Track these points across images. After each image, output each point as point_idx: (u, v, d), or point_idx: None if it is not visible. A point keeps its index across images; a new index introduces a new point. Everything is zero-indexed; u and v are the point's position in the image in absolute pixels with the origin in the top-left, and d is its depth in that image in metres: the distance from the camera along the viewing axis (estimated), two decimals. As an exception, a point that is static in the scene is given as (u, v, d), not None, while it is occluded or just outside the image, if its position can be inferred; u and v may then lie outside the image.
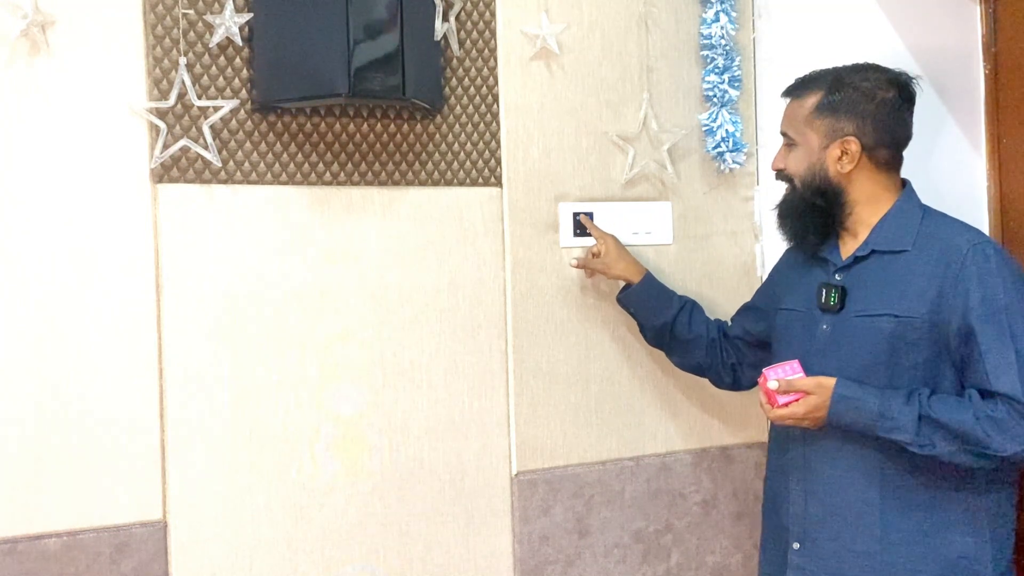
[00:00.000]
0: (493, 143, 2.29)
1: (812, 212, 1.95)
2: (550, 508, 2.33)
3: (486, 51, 2.29)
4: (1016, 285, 1.79)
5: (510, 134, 2.31)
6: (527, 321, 2.32)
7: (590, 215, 2.35)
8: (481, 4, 2.28)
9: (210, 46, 2.03)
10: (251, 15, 2.03)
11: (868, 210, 1.93)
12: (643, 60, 2.44)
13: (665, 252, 2.46)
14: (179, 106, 2.00)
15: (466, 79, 2.27)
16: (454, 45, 2.24)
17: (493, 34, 2.29)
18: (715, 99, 2.48)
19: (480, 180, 2.28)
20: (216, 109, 2.00)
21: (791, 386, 1.83)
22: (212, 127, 2.01)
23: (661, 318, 2.25)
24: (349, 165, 2.16)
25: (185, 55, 2.00)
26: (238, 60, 2.06)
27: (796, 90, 2.00)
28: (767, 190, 2.56)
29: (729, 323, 2.31)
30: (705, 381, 2.38)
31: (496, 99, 2.30)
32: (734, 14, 2.47)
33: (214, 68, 2.04)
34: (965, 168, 2.48)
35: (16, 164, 1.90)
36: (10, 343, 1.88)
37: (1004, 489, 1.86)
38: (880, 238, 1.90)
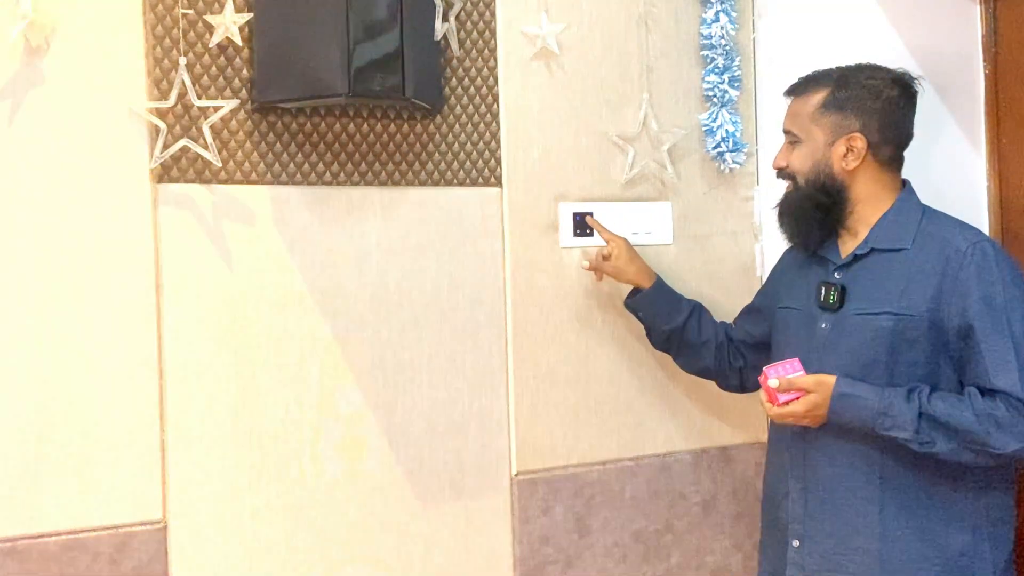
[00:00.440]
0: (493, 143, 2.29)
1: (815, 210, 1.94)
2: (550, 508, 2.33)
3: (486, 51, 2.29)
4: (1015, 283, 1.80)
5: (510, 134, 2.31)
6: (527, 321, 2.32)
7: (591, 214, 2.34)
8: (481, 4, 2.28)
9: (210, 46, 2.03)
10: (251, 15, 2.02)
11: (869, 208, 1.93)
12: (643, 60, 2.44)
13: (665, 252, 2.46)
14: (179, 106, 2.00)
15: (466, 79, 2.27)
16: (454, 45, 2.24)
17: (493, 34, 2.29)
18: (715, 99, 2.48)
19: (480, 180, 2.28)
20: (216, 109, 2.00)
21: (791, 384, 1.83)
22: (212, 127, 2.01)
23: (671, 323, 2.24)
24: (349, 165, 2.16)
25: (185, 55, 2.00)
26: (238, 60, 2.06)
27: (801, 87, 2.01)
28: (767, 190, 2.56)
29: (732, 326, 2.30)
30: (705, 381, 2.38)
31: (496, 99, 2.30)
32: (734, 14, 2.47)
33: (214, 68, 2.04)
34: (965, 168, 2.48)
35: (16, 164, 1.89)
36: (10, 343, 1.88)
37: (1003, 486, 1.86)
38: (880, 236, 1.91)
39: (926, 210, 1.93)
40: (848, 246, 1.96)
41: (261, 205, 2.08)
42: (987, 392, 1.76)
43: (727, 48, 2.47)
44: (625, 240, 2.27)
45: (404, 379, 2.20)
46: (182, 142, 1.99)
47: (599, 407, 2.39)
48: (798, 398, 1.83)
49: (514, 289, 2.31)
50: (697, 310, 2.27)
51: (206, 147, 2.00)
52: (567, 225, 2.35)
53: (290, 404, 2.09)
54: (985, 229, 2.46)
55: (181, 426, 2.00)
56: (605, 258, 2.25)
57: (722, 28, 2.45)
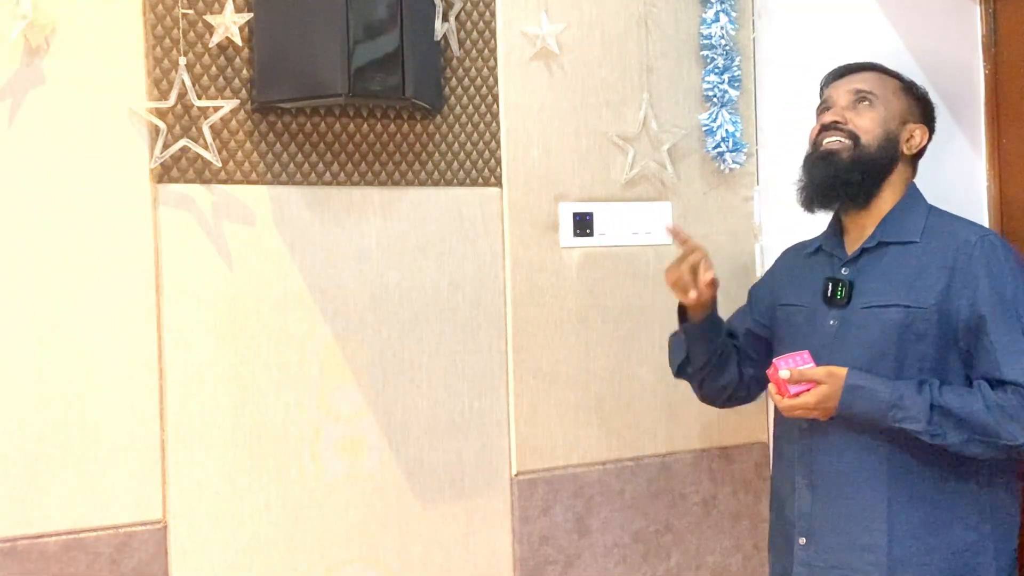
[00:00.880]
0: (493, 143, 2.30)
1: (869, 177, 1.90)
2: (550, 508, 2.33)
3: (486, 51, 2.29)
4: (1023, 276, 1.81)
5: (510, 134, 2.31)
6: (527, 321, 2.32)
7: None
8: (481, 4, 2.28)
9: (210, 46, 2.03)
10: (251, 15, 2.02)
11: (887, 199, 1.93)
12: (643, 60, 2.44)
13: (665, 252, 2.46)
14: (179, 106, 2.00)
15: (466, 79, 2.27)
16: (454, 45, 2.24)
17: (493, 34, 2.29)
18: (715, 99, 2.48)
19: (480, 180, 2.28)
20: (216, 109, 2.00)
21: (803, 375, 1.81)
22: (212, 127, 2.01)
23: (711, 354, 2.11)
24: (349, 165, 2.16)
25: (185, 55, 2.00)
26: (238, 60, 2.06)
27: (878, 66, 2.00)
28: (767, 190, 2.56)
29: (735, 336, 2.19)
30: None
31: (496, 99, 2.30)
32: (734, 14, 2.47)
33: (214, 68, 2.04)
34: (965, 168, 2.48)
35: (16, 164, 1.89)
36: (10, 343, 1.88)
37: (1005, 481, 1.86)
38: (888, 230, 1.91)
39: (931, 208, 1.94)
40: (854, 240, 1.96)
41: (261, 205, 2.08)
42: (997, 384, 1.76)
43: (727, 48, 2.47)
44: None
45: (404, 379, 2.20)
46: (182, 142, 1.99)
47: (599, 407, 2.39)
48: (809, 389, 1.81)
49: (514, 289, 2.31)
50: (729, 340, 2.16)
51: (206, 147, 2.00)
52: (567, 225, 2.36)
53: (290, 404, 2.09)
54: (985, 229, 2.46)
55: (181, 426, 2.00)
56: (710, 285, 2.02)
57: (722, 28, 2.45)
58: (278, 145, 2.09)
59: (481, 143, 2.28)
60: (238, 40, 2.02)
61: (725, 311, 2.42)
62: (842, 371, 1.81)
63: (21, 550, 1.87)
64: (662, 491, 2.45)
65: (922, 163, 2.05)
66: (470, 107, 2.27)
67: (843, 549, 1.86)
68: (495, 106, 2.30)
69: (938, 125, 2.05)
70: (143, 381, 1.97)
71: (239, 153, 2.06)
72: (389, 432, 2.18)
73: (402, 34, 1.99)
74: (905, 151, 1.94)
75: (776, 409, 1.98)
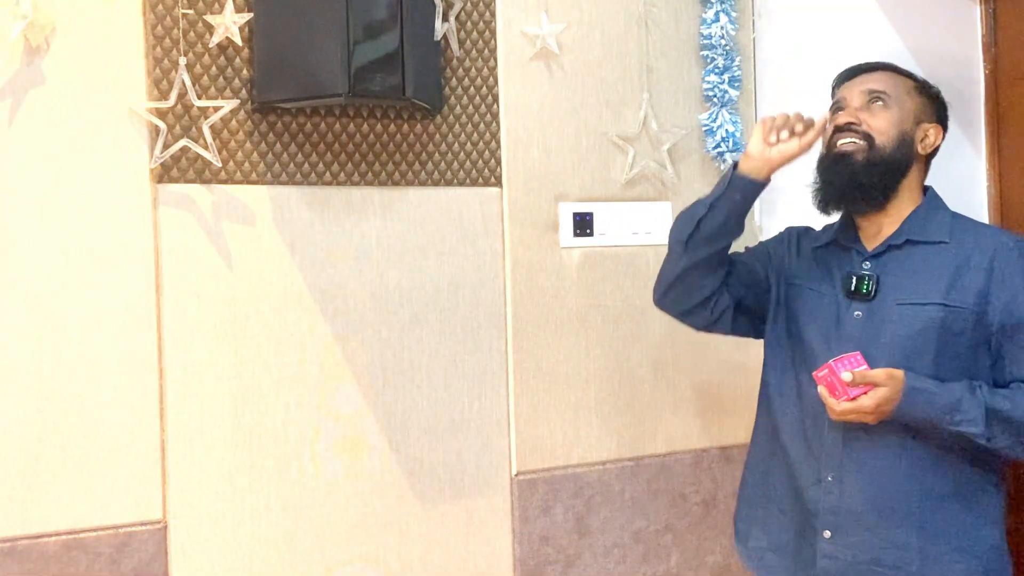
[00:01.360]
0: (493, 143, 2.30)
1: (884, 178, 1.88)
2: (550, 508, 2.33)
3: (486, 51, 2.29)
4: None
5: (510, 134, 2.31)
6: (527, 321, 2.32)
7: (591, 214, 2.32)
8: (481, 4, 2.28)
9: (210, 46, 2.03)
10: (251, 15, 2.03)
11: (905, 200, 1.92)
12: (643, 60, 2.44)
13: (665, 252, 2.45)
14: (179, 106, 2.00)
15: (466, 79, 2.27)
16: (454, 45, 2.24)
17: (493, 34, 2.29)
18: (715, 99, 2.48)
19: (480, 180, 2.28)
20: (216, 109, 2.00)
21: (864, 378, 1.76)
22: (212, 127, 2.01)
23: (728, 234, 1.99)
24: (349, 165, 2.16)
25: (185, 55, 2.00)
26: (238, 60, 2.06)
27: (891, 66, 1.98)
28: (767, 190, 2.55)
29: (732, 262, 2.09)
30: (705, 382, 2.38)
31: (496, 99, 2.30)
32: (734, 14, 2.47)
33: (214, 68, 2.04)
34: (965, 168, 2.48)
35: (16, 164, 1.89)
36: (10, 343, 1.88)
37: (1006, 483, 1.89)
38: (915, 228, 1.90)
39: (955, 212, 1.94)
40: (873, 237, 1.94)
41: (261, 205, 2.08)
42: None
43: (727, 48, 2.47)
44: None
45: (404, 379, 2.20)
46: (182, 142, 1.99)
47: (599, 407, 2.39)
48: (866, 392, 1.77)
49: (514, 289, 2.31)
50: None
51: (206, 147, 2.00)
52: (567, 225, 2.36)
53: (290, 404, 2.09)
54: (985, 229, 2.46)
55: (181, 426, 2.00)
56: (798, 133, 1.91)
57: (722, 28, 2.45)
58: (278, 145, 2.09)
59: (481, 143, 2.28)
60: (238, 40, 2.02)
61: (725, 311, 2.42)
62: (900, 373, 1.77)
63: (21, 550, 1.87)
64: (662, 491, 2.45)
65: (922, 163, 2.05)
66: (470, 107, 2.27)
67: (873, 545, 1.84)
68: (495, 106, 2.30)
69: (939, 125, 2.05)
70: (143, 381, 1.98)
71: (239, 153, 2.06)
72: (389, 432, 2.18)
73: (402, 34, 1.99)
74: (920, 151, 1.92)
75: (772, 399, 1.98)
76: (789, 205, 2.52)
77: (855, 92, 1.94)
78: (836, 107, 1.97)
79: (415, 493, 2.21)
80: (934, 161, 2.00)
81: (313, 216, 2.12)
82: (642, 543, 2.43)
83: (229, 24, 2.00)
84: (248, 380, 2.06)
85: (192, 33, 2.02)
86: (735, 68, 2.48)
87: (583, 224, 2.36)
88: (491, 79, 2.29)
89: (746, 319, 2.08)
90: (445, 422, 2.24)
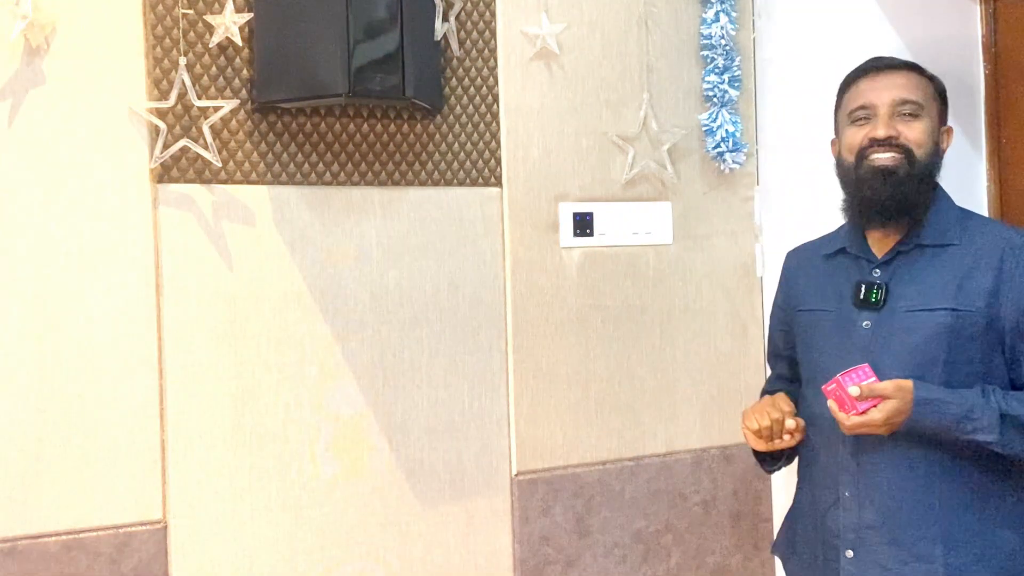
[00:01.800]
0: (493, 143, 2.30)
1: (924, 189, 1.85)
2: (550, 508, 2.33)
3: (486, 51, 2.29)
4: None
5: (510, 134, 2.31)
6: (527, 321, 2.32)
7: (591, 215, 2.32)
8: (481, 4, 2.28)
9: (210, 46, 2.03)
10: (251, 15, 2.03)
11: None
12: (643, 60, 2.44)
13: (665, 252, 2.46)
14: (179, 106, 2.00)
15: (466, 79, 2.27)
16: (454, 45, 2.24)
17: (493, 34, 2.29)
18: (715, 99, 2.48)
19: (480, 180, 2.28)
20: (216, 109, 2.00)
21: (872, 391, 1.73)
22: (212, 127, 2.01)
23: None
24: (349, 165, 2.16)
25: (185, 55, 2.00)
26: (238, 60, 2.06)
27: (915, 67, 1.91)
28: (767, 190, 2.56)
29: (781, 375, 2.12)
30: (705, 382, 2.37)
31: (496, 99, 2.30)
32: (734, 14, 2.47)
33: (214, 68, 2.04)
34: (965, 168, 2.48)
35: (16, 164, 1.89)
36: (10, 343, 1.88)
37: None
38: (924, 232, 1.85)
39: (963, 209, 1.90)
40: (882, 242, 1.89)
41: (261, 205, 2.08)
42: None
43: (727, 48, 2.47)
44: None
45: (404, 379, 2.20)
46: (182, 142, 1.99)
47: (599, 407, 2.39)
48: (875, 405, 1.73)
49: (514, 289, 2.31)
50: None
51: (206, 147, 2.00)
52: (567, 225, 2.36)
53: (290, 404, 2.09)
54: (985, 229, 2.46)
55: (181, 426, 2.00)
56: (792, 433, 1.92)
57: (722, 28, 2.45)
58: (278, 145, 2.09)
59: (481, 143, 2.28)
60: (238, 40, 2.02)
61: (725, 311, 2.43)
62: (909, 384, 1.74)
63: (21, 550, 1.87)
64: (662, 491, 2.45)
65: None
66: (470, 107, 2.27)
67: (897, 561, 1.80)
68: (495, 106, 2.30)
69: (938, 125, 2.04)
70: (143, 381, 1.98)
71: (239, 153, 2.06)
72: (389, 432, 2.18)
73: (402, 34, 1.99)
74: (942, 156, 1.90)
75: (801, 416, 1.91)
76: (789, 205, 2.52)
77: (883, 98, 1.86)
78: (862, 110, 1.88)
79: (415, 493, 2.21)
80: (934, 160, 1.99)
81: (313, 216, 2.12)
82: (642, 543, 2.43)
83: (229, 24, 2.00)
84: (248, 380, 2.06)
85: (192, 33, 2.02)
86: (735, 68, 2.48)
87: (583, 224, 2.36)
88: (491, 79, 2.29)
89: None
90: (445, 422, 2.24)
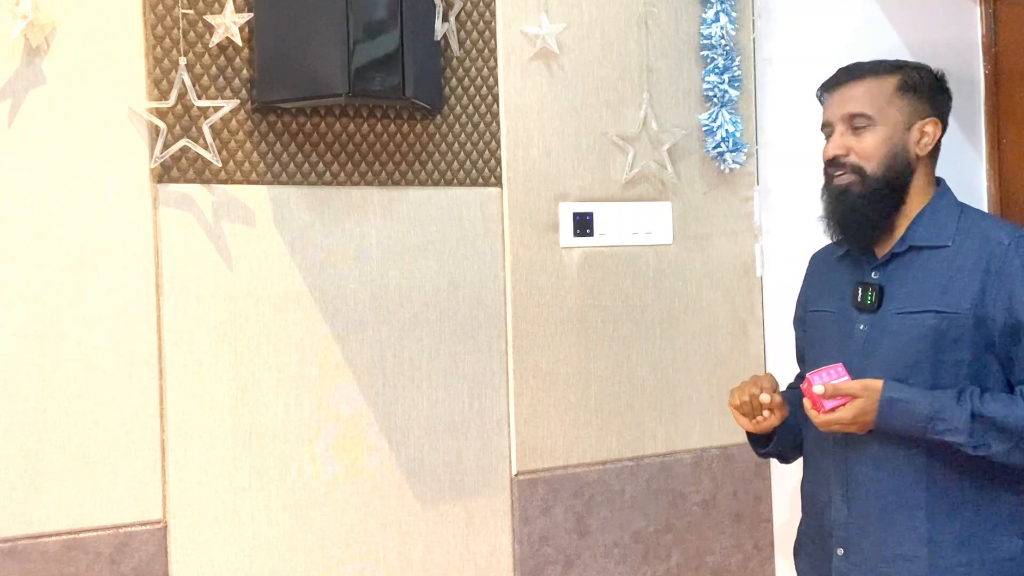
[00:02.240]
0: (493, 143, 2.30)
1: (887, 202, 1.84)
2: (550, 508, 2.33)
3: (486, 51, 2.29)
4: None
5: (510, 134, 2.31)
6: (527, 321, 2.32)
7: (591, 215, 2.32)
8: (481, 4, 2.28)
9: (210, 46, 2.03)
10: (251, 15, 2.02)
11: (915, 201, 1.86)
12: (643, 60, 2.44)
13: (665, 252, 2.46)
14: (179, 106, 2.00)
15: (466, 79, 2.27)
16: (454, 45, 2.24)
17: (493, 34, 2.29)
18: (715, 99, 2.48)
19: (480, 180, 2.28)
20: (216, 109, 2.00)
21: (837, 390, 1.75)
22: (212, 127, 2.01)
23: (799, 438, 2.03)
24: (349, 165, 2.16)
25: (185, 55, 2.00)
26: (238, 60, 2.06)
27: (871, 69, 1.89)
28: (767, 190, 2.56)
29: (797, 376, 2.15)
30: (705, 382, 2.37)
31: (496, 99, 2.30)
32: (734, 14, 2.47)
33: (214, 68, 2.04)
34: (965, 168, 2.48)
35: (16, 164, 1.89)
36: (10, 343, 1.88)
37: None
38: (918, 233, 1.85)
39: (963, 207, 1.88)
40: (885, 244, 1.88)
41: (261, 205, 2.08)
42: None
43: (727, 48, 2.47)
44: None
45: (404, 379, 2.20)
46: (182, 142, 1.99)
47: (599, 407, 2.39)
48: (844, 404, 1.75)
49: (514, 289, 2.31)
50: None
51: (206, 147, 2.00)
52: (567, 225, 2.36)
53: (290, 404, 2.09)
54: (985, 229, 2.46)
55: (181, 426, 2.00)
56: (771, 408, 1.93)
57: (722, 28, 2.45)
58: (278, 145, 2.09)
59: (481, 143, 2.28)
60: (238, 40, 2.02)
61: (725, 311, 2.42)
62: (878, 384, 1.75)
63: (21, 550, 1.87)
64: (662, 491, 2.45)
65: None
66: (470, 107, 2.27)
67: (883, 560, 1.81)
68: (495, 106, 2.30)
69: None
70: (143, 381, 1.98)
71: (239, 153, 2.06)
72: (389, 432, 2.18)
73: (402, 34, 1.99)
74: (919, 152, 1.85)
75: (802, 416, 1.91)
76: (789, 205, 2.52)
77: (836, 114, 1.87)
78: (826, 130, 1.90)
79: (415, 493, 2.21)
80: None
81: (313, 216, 2.12)
82: (642, 543, 2.43)
83: (229, 24, 2.00)
84: (248, 380, 2.06)
85: (192, 33, 2.02)
86: (735, 68, 2.48)
87: (583, 224, 2.36)
88: (491, 79, 2.29)
89: None
90: (445, 422, 2.24)
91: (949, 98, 1.91)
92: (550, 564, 2.33)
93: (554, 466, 2.34)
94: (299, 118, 2.11)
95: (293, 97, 2.01)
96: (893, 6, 2.45)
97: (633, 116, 2.43)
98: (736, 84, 2.48)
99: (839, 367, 1.78)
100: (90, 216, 1.94)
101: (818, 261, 2.08)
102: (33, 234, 1.90)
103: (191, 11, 2.01)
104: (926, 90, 1.88)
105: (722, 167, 2.50)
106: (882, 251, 1.88)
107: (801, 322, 2.09)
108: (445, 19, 2.19)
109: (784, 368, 2.24)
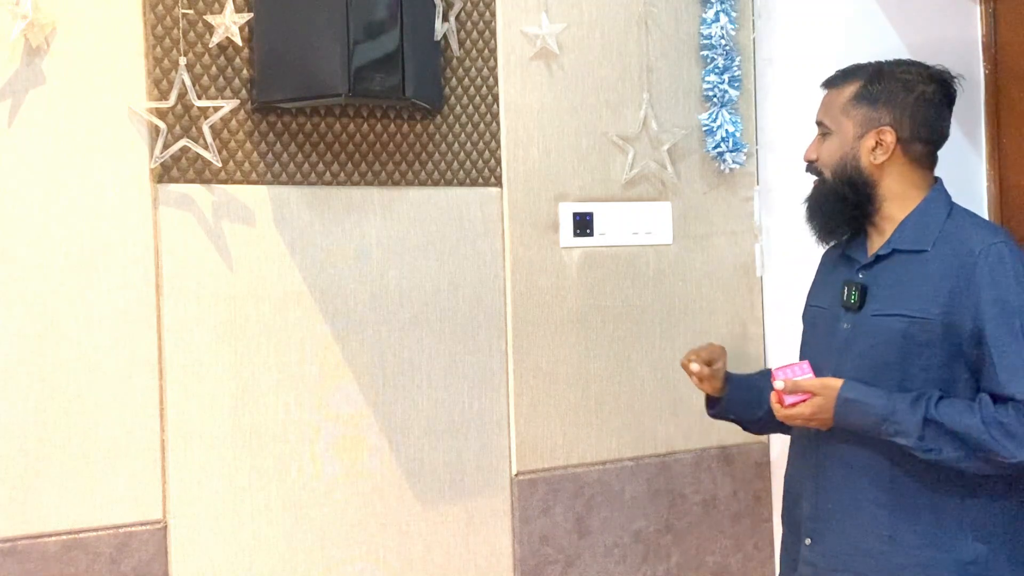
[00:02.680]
0: (493, 143, 2.30)
1: (841, 203, 1.90)
2: (550, 508, 2.33)
3: (486, 51, 2.29)
4: None
5: (510, 134, 2.31)
6: (527, 321, 2.32)
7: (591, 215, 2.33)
8: (481, 4, 2.28)
9: (210, 46, 2.03)
10: (251, 15, 2.02)
11: (897, 206, 1.88)
12: (643, 60, 2.44)
13: (665, 252, 2.46)
14: (179, 106, 2.00)
15: (466, 79, 2.27)
16: (454, 45, 2.24)
17: (493, 34, 2.29)
18: (715, 99, 2.48)
19: (480, 180, 2.28)
20: (216, 109, 2.00)
21: (797, 387, 1.81)
22: (212, 127, 2.01)
23: (763, 409, 2.03)
24: (349, 165, 2.16)
25: (185, 55, 2.00)
26: (238, 60, 2.06)
27: (836, 79, 1.95)
28: (767, 190, 2.56)
29: None
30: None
31: (496, 99, 2.30)
32: (734, 14, 2.47)
33: (214, 68, 2.04)
34: (965, 168, 2.48)
35: (16, 164, 1.89)
36: (10, 343, 1.88)
37: (1019, 494, 1.81)
38: (902, 237, 1.87)
39: (954, 210, 1.89)
40: (875, 245, 1.92)
41: (261, 205, 2.08)
42: (999, 399, 1.72)
43: (727, 48, 2.47)
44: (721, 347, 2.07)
45: (404, 379, 2.20)
46: (182, 142, 1.99)
47: (599, 407, 2.39)
48: (805, 400, 1.81)
49: (514, 289, 2.31)
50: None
51: (206, 147, 2.00)
52: (567, 225, 2.36)
53: (290, 404, 2.09)
54: (985, 229, 2.45)
55: (181, 426, 2.00)
56: (710, 364, 2.02)
57: (722, 28, 2.45)
58: (278, 145, 2.09)
59: (481, 143, 2.28)
60: (238, 40, 2.02)
61: (725, 311, 2.42)
62: (837, 383, 1.80)
63: (21, 550, 1.87)
64: (662, 491, 2.45)
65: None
66: (470, 107, 2.27)
67: (847, 553, 1.85)
68: (495, 106, 2.30)
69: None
70: (143, 381, 1.97)
71: (239, 153, 2.06)
72: (389, 432, 2.18)
73: (402, 34, 1.99)
74: (874, 161, 1.87)
75: None
76: (789, 205, 2.52)
77: (817, 119, 1.98)
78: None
79: (415, 493, 2.21)
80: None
81: (313, 216, 2.12)
82: (642, 543, 2.43)
83: (229, 24, 2.00)
84: (248, 380, 2.06)
85: (192, 33, 2.02)
86: (735, 68, 2.48)
87: (583, 224, 2.36)
88: (491, 79, 2.29)
89: None
90: (445, 422, 2.24)
91: (932, 104, 1.89)
92: (550, 564, 2.33)
93: (554, 466, 2.34)
94: (299, 118, 2.11)
95: (293, 97, 2.01)
96: (893, 6, 2.45)
97: (633, 116, 2.43)
98: (736, 84, 2.48)
99: (805, 364, 1.85)
100: (90, 216, 1.94)
101: (826, 257, 2.11)
102: (33, 234, 1.90)
103: (191, 11, 2.01)
104: (884, 100, 1.88)
105: (722, 167, 2.50)
106: (872, 252, 1.92)
107: (803, 316, 2.12)
108: (445, 19, 2.19)
109: (784, 368, 2.24)
